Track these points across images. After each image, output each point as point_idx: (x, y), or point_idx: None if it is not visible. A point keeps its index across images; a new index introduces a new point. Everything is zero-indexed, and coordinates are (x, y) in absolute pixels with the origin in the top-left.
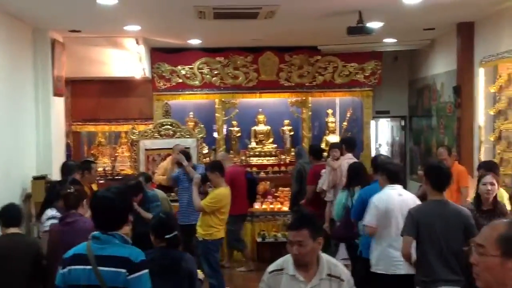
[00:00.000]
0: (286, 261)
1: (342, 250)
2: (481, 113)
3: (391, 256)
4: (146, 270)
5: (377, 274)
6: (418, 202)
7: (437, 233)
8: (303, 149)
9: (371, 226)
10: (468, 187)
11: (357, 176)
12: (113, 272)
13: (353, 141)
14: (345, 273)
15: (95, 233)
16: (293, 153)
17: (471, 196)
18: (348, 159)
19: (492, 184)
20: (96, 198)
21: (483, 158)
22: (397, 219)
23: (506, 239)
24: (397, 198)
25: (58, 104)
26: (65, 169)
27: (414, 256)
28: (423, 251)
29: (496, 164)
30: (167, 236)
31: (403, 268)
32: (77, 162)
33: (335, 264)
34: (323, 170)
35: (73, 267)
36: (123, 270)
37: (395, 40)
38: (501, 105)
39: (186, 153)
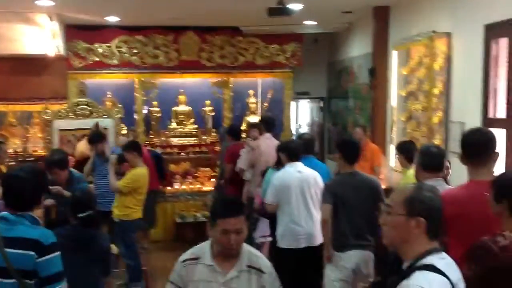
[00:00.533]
0: (202, 249)
1: (262, 227)
2: (394, 94)
3: (293, 231)
4: (57, 253)
5: (282, 249)
6: (319, 178)
7: (350, 202)
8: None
9: (269, 203)
10: (381, 165)
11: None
12: (21, 254)
13: (272, 121)
14: (267, 265)
15: (3, 213)
16: (214, 134)
17: (384, 173)
18: (267, 139)
19: None
20: (7, 177)
21: (394, 137)
22: (297, 195)
23: (411, 200)
24: (296, 175)
25: None
26: None
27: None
28: (337, 219)
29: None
30: (80, 215)
31: (303, 242)
32: None
33: (257, 255)
34: (242, 150)
35: None
36: (32, 253)
37: (315, 23)
38: (411, 87)
39: (99, 134)
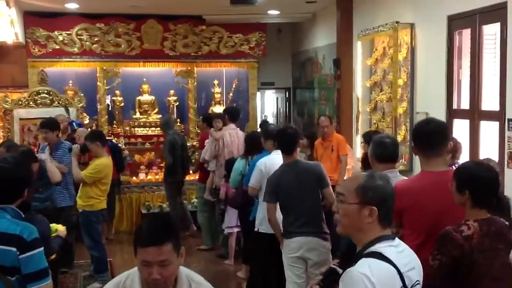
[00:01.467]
0: (131, 278)
1: (229, 218)
2: (359, 85)
3: None
4: (40, 249)
5: (260, 233)
6: None
7: (294, 191)
8: (171, 119)
9: (252, 187)
10: (347, 155)
11: (254, 145)
12: (2, 250)
13: (236, 111)
14: None
15: None
16: (178, 124)
17: (350, 163)
18: (231, 129)
19: None
20: None
21: (360, 128)
22: None
23: (363, 189)
24: (281, 163)
25: None
26: None
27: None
28: (283, 208)
29: (378, 132)
30: None
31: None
32: None
33: (198, 281)
34: (206, 140)
35: None
36: (14, 249)
37: (278, 12)
38: (376, 78)
39: (53, 122)
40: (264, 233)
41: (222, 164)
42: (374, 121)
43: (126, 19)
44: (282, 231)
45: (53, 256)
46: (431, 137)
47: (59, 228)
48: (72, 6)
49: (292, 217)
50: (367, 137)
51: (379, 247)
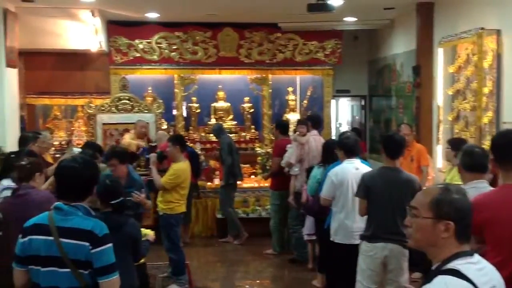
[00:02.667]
0: None
1: (308, 224)
2: (440, 93)
3: (348, 227)
4: (110, 244)
5: (335, 243)
6: None
7: (385, 197)
8: (222, 125)
9: (324, 197)
10: (428, 165)
11: (332, 153)
12: (75, 244)
13: (319, 118)
14: None
15: (58, 203)
16: (253, 131)
17: (431, 174)
18: (314, 135)
19: None
20: (61, 167)
21: (441, 137)
22: (353, 192)
23: (438, 203)
24: (353, 172)
25: (11, 76)
26: (21, 140)
27: None
28: (371, 212)
29: (465, 141)
30: (112, 202)
31: (357, 239)
32: (34, 134)
33: None
34: (289, 145)
35: (34, 237)
36: (86, 243)
37: (355, 19)
38: (459, 85)
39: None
40: (339, 243)
41: (305, 169)
42: (457, 131)
43: (204, 28)
44: (364, 233)
45: (142, 260)
46: (510, 149)
47: (148, 233)
48: (152, 16)
49: (378, 221)
50: (454, 144)
51: (456, 264)
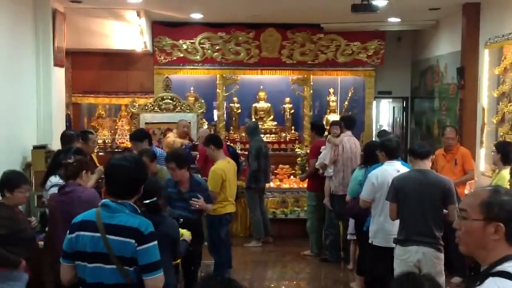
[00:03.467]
0: None
1: (351, 223)
2: (485, 95)
3: (387, 230)
4: (155, 242)
5: (374, 246)
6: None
7: (415, 199)
8: (258, 125)
9: (364, 199)
10: (473, 169)
11: (374, 155)
12: (122, 241)
13: (352, 119)
14: None
15: (105, 200)
16: (293, 131)
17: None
18: (348, 136)
19: None
20: (111, 165)
21: (485, 140)
22: None
23: (488, 205)
24: (394, 174)
25: (59, 75)
26: (64, 138)
27: None
28: (403, 215)
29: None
30: (145, 202)
31: None
32: (77, 132)
33: None
34: (323, 147)
35: (81, 233)
36: (132, 241)
37: (399, 20)
38: (505, 87)
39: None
40: (378, 246)
41: (340, 170)
42: (501, 133)
43: (247, 28)
44: (397, 236)
45: (178, 260)
46: None
47: (185, 233)
48: (196, 16)
49: (410, 224)
50: (501, 147)
51: (507, 267)
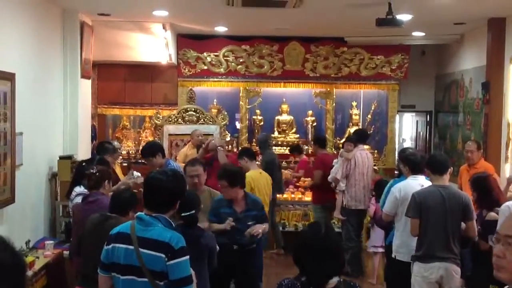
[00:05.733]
0: None
1: (374, 236)
2: (510, 110)
3: (410, 245)
4: (186, 257)
5: (397, 260)
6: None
7: (437, 215)
8: (270, 137)
9: (386, 213)
10: None
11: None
12: (153, 255)
13: (364, 133)
14: None
15: (140, 213)
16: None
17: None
18: (360, 150)
19: None
20: (150, 179)
21: (510, 156)
22: None
23: None
24: (417, 189)
25: (85, 87)
26: (101, 148)
27: None
28: (424, 231)
29: None
30: (183, 214)
31: None
32: (114, 145)
33: None
34: (335, 160)
35: (116, 245)
36: (162, 255)
37: (423, 34)
38: None
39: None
40: (400, 261)
41: (352, 185)
42: None
43: (271, 41)
44: (415, 253)
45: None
46: None
47: None
48: (221, 29)
49: (431, 239)
50: None
51: None
